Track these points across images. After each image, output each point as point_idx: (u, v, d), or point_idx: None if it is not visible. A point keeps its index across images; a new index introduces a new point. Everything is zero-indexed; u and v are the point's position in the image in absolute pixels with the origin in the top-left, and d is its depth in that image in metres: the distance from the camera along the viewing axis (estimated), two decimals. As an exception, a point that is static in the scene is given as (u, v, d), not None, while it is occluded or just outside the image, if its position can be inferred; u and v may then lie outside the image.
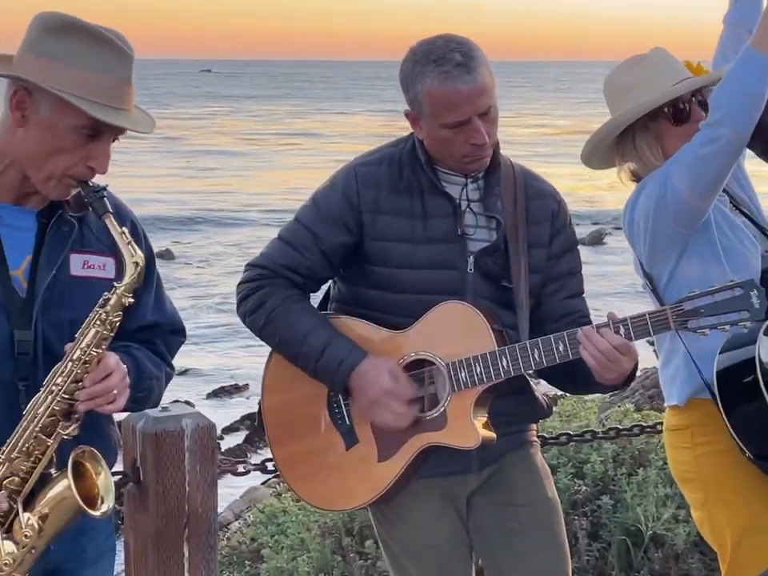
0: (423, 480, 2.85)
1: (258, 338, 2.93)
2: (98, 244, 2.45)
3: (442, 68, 2.71)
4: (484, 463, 2.90)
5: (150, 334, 2.55)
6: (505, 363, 2.74)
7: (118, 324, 2.32)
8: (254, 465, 3.22)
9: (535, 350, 2.73)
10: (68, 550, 2.45)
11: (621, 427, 4.18)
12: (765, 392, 2.83)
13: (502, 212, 2.86)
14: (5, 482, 2.29)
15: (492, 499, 2.93)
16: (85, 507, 2.29)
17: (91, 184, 2.35)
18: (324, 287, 3.05)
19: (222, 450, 9.96)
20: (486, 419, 2.81)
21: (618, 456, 4.77)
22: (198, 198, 32.22)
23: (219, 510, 7.58)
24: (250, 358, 15.91)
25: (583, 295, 3.01)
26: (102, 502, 2.34)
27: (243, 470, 3.17)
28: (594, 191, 31.71)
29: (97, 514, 2.32)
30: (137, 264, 2.31)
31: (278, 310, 2.84)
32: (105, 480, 2.35)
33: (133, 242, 2.33)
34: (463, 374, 2.76)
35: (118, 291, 2.31)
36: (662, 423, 4.12)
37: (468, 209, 2.85)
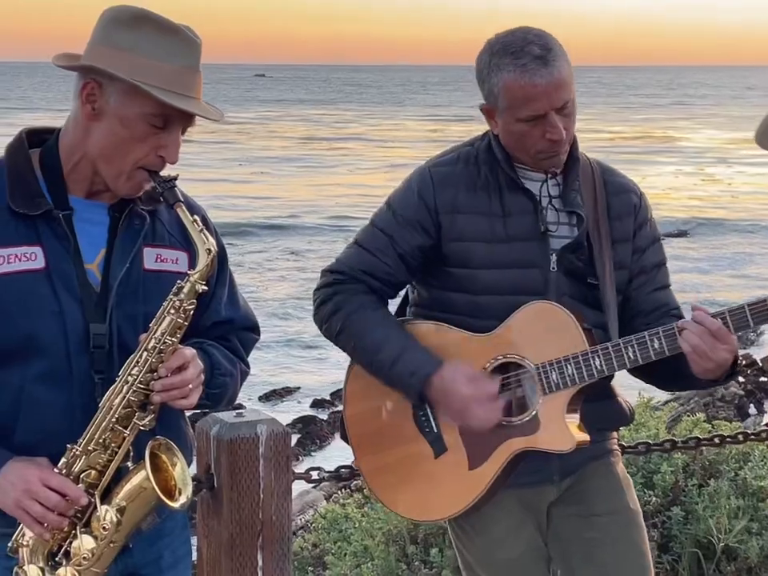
0: (504, 491, 2.79)
1: (334, 345, 2.89)
2: (171, 238, 2.44)
3: (519, 61, 2.65)
4: (565, 473, 2.84)
5: (224, 330, 2.53)
6: (598, 363, 2.68)
7: (192, 312, 2.30)
8: (329, 472, 3.16)
9: (629, 347, 2.68)
10: (145, 554, 2.43)
11: (701, 437, 4.08)
12: None
13: (583, 207, 2.80)
14: (82, 475, 2.27)
15: (572, 510, 2.88)
16: (164, 498, 2.26)
17: (163, 175, 2.33)
18: (401, 292, 3.00)
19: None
20: (578, 421, 2.75)
21: (688, 466, 4.68)
22: (250, 202, 32.33)
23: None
24: (301, 362, 15.94)
25: (670, 287, 2.95)
26: (180, 494, 2.31)
27: (317, 477, 3.12)
28: (650, 198, 31.46)
29: (175, 505, 2.29)
30: (209, 251, 2.30)
31: (353, 316, 2.79)
32: (181, 471, 2.32)
33: (205, 230, 2.32)
34: (554, 376, 2.70)
35: (191, 279, 2.29)
36: (741, 434, 4.06)
37: (549, 205, 2.79)
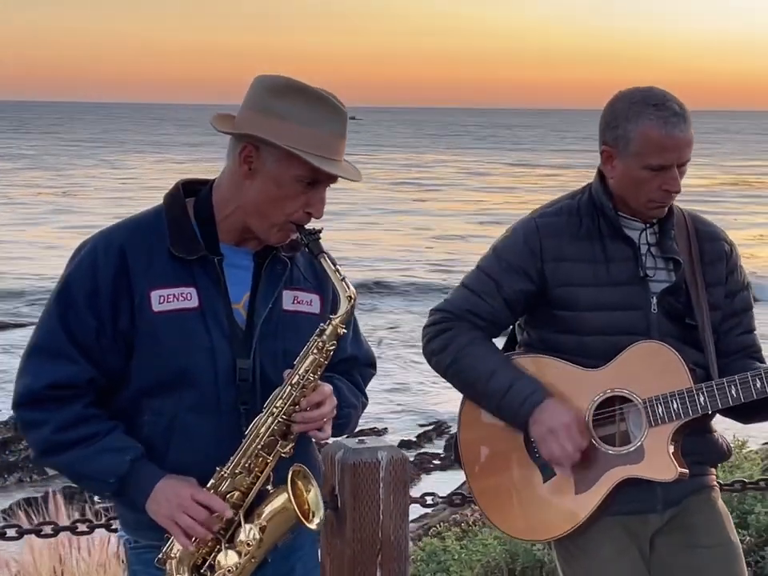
0: (608, 517, 2.97)
1: (442, 377, 3.09)
2: (306, 282, 2.67)
3: (661, 113, 2.87)
4: (667, 504, 3.01)
5: (349, 366, 2.75)
6: (702, 399, 2.89)
7: (332, 352, 2.52)
8: (441, 498, 3.36)
9: (732, 386, 2.88)
10: (280, 567, 2.63)
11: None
12: None
13: (679, 254, 3.00)
14: (227, 495, 2.48)
15: (676, 540, 3.03)
16: (302, 519, 2.47)
17: (308, 228, 2.56)
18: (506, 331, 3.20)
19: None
20: (678, 455, 2.93)
21: (781, 508, 4.79)
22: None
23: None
24: (388, 404, 16.09)
25: (756, 331, 3.14)
26: (313, 516, 2.51)
27: (432, 502, 3.31)
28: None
29: (312, 526, 2.50)
30: (350, 298, 2.52)
31: (465, 350, 3.00)
32: (315, 496, 2.52)
33: (347, 279, 2.53)
34: (660, 410, 2.90)
35: (333, 322, 2.51)
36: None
37: (648, 252, 3.00)
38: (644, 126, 2.88)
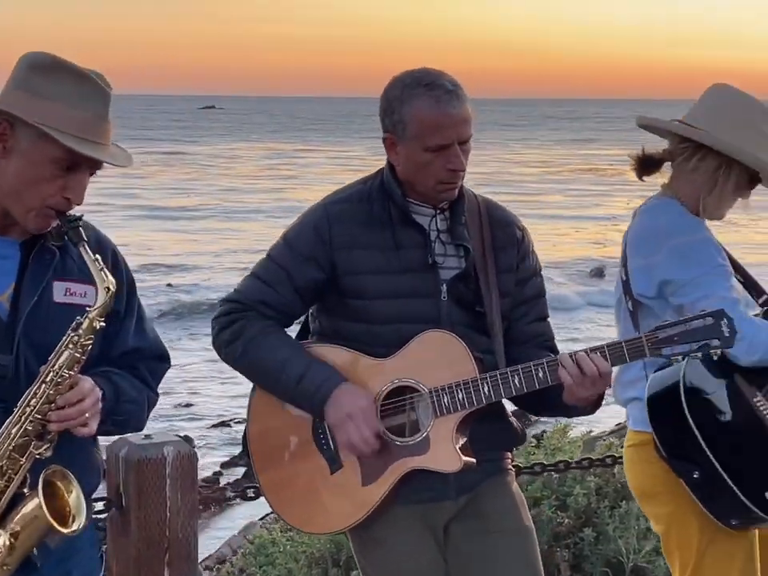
0: (402, 506, 2.93)
1: (233, 368, 3.00)
2: (80, 273, 2.52)
3: (433, 92, 2.83)
4: (461, 491, 2.98)
5: (133, 360, 2.62)
6: (486, 389, 2.85)
7: (89, 347, 2.40)
8: (235, 491, 3.29)
9: (515, 376, 2.84)
10: (54, 573, 2.50)
11: (616, 455, 4.32)
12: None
13: (470, 240, 2.96)
14: None
15: (469, 526, 3.00)
16: (55, 525, 2.35)
17: (68, 214, 2.43)
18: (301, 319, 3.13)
19: (222, 485, 9.84)
20: (466, 444, 2.90)
21: (600, 489, 4.84)
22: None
23: (217, 545, 7.55)
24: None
25: (548, 319, 3.12)
26: (74, 520, 2.40)
27: (221, 497, 3.24)
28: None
29: (66, 531, 2.38)
30: (108, 289, 2.40)
31: (255, 340, 2.93)
32: (76, 498, 2.41)
33: (105, 269, 2.42)
34: (446, 400, 2.85)
35: (90, 315, 2.39)
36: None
37: (437, 239, 2.95)
38: (417, 108, 2.84)
